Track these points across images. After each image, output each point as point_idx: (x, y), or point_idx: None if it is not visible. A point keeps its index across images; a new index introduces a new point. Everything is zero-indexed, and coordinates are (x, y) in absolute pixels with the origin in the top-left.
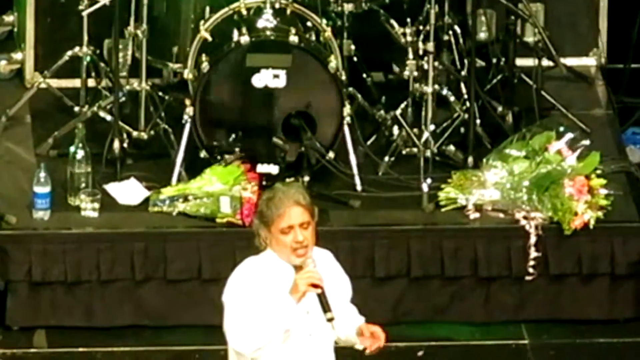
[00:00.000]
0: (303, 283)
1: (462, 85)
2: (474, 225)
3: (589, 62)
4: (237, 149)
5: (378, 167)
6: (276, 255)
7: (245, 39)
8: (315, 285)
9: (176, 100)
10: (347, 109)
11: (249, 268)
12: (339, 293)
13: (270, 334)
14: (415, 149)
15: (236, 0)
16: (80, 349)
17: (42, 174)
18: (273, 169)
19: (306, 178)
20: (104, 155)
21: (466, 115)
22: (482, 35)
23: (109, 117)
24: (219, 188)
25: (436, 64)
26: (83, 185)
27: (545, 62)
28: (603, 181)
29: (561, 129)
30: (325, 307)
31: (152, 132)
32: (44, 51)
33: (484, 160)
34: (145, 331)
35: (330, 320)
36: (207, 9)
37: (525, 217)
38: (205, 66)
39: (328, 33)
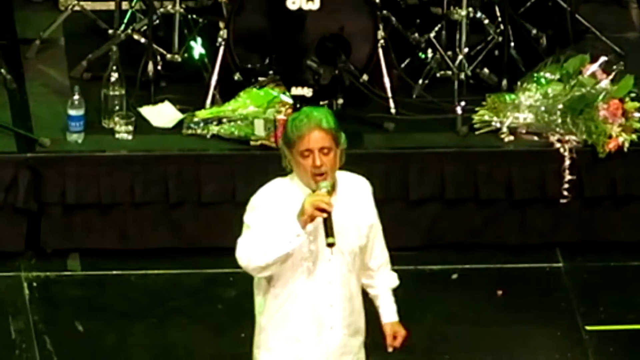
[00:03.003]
0: (309, 206)
1: (496, 8)
2: (508, 148)
3: None
4: (271, 72)
5: (412, 89)
6: (297, 177)
7: None
8: (322, 210)
9: (210, 23)
10: (381, 32)
11: (269, 189)
12: (361, 226)
13: (271, 255)
14: (449, 72)
15: None
16: (114, 272)
17: (76, 97)
18: (307, 92)
19: (340, 101)
20: (138, 78)
21: (500, 38)
22: None
23: (143, 40)
24: (253, 110)
25: None
26: (117, 107)
27: None
28: (637, 104)
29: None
30: (328, 232)
31: (185, 55)
32: None
33: (518, 83)
34: (179, 254)
35: (329, 245)
36: None
37: (559, 140)
38: None
39: None
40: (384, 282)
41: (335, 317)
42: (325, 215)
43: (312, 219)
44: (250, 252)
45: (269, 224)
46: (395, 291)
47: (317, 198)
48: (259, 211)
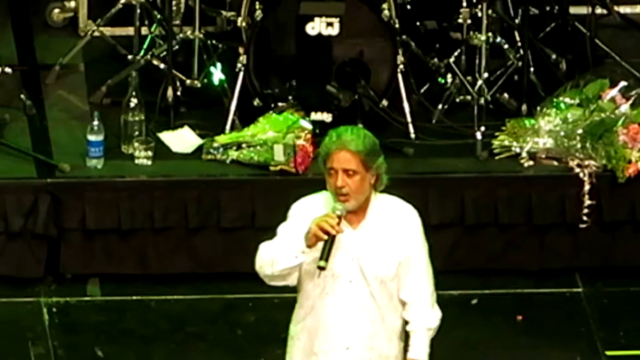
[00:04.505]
0: (314, 225)
1: (516, 33)
2: (528, 173)
3: None
4: (290, 97)
5: (432, 114)
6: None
7: None
8: (325, 231)
9: (229, 48)
10: (400, 57)
11: (307, 201)
12: (391, 255)
13: (277, 266)
14: (469, 97)
15: None
16: (134, 298)
17: (96, 122)
18: (326, 117)
19: (359, 126)
20: (158, 104)
21: (520, 63)
22: None
23: (162, 65)
24: (273, 136)
25: (490, 11)
26: (136, 133)
27: (599, 10)
28: None
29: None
30: (323, 254)
31: (205, 80)
32: None
33: (538, 108)
34: (198, 279)
35: (319, 267)
36: None
37: (579, 165)
38: (258, 14)
39: None
40: (419, 319)
41: (352, 338)
42: (325, 237)
43: (316, 238)
44: (262, 259)
45: (283, 236)
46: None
47: (324, 219)
48: (290, 221)
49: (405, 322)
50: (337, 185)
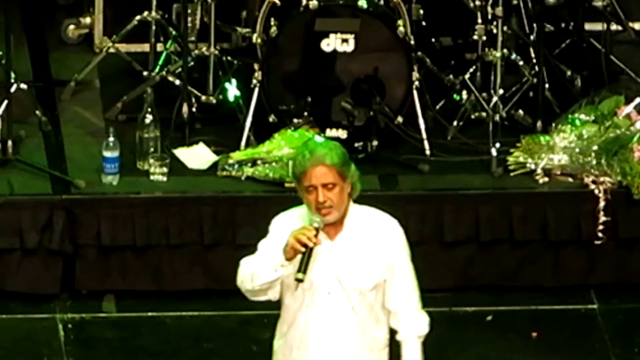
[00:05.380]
0: (292, 238)
1: (531, 49)
2: (543, 190)
3: None
4: (305, 114)
5: (447, 131)
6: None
7: (314, 3)
8: (303, 244)
9: (245, 65)
10: (415, 74)
11: (285, 216)
12: (372, 266)
13: (256, 281)
14: (484, 114)
15: None
16: (149, 314)
17: (111, 139)
18: (341, 134)
19: (375, 143)
20: (173, 120)
21: (535, 80)
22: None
23: (177, 82)
24: (288, 152)
25: (505, 28)
26: (152, 149)
27: (614, 27)
28: None
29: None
30: (301, 266)
31: (220, 97)
32: (112, 15)
33: (553, 124)
34: (214, 296)
35: (296, 279)
36: None
37: (594, 182)
38: (273, 30)
39: None
40: (409, 327)
41: (332, 351)
42: (303, 249)
43: (294, 251)
44: (243, 274)
45: (262, 251)
46: (430, 334)
47: (301, 232)
48: (270, 236)
49: (393, 332)
50: (319, 200)
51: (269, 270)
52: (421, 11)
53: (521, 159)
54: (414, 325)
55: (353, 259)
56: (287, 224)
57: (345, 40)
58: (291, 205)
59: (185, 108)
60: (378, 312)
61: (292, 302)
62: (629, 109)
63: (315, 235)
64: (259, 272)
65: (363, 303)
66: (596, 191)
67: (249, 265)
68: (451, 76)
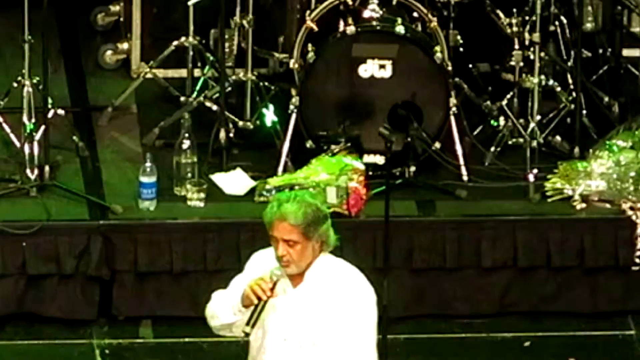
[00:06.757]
0: (248, 288)
1: (568, 75)
2: (581, 216)
3: None
4: (343, 139)
5: (484, 157)
6: None
7: (351, 29)
8: (257, 296)
9: (282, 90)
10: (453, 100)
11: (261, 255)
12: (321, 323)
13: (217, 320)
14: (521, 140)
15: None
16: (186, 340)
17: (148, 164)
18: (379, 159)
19: (412, 168)
20: (210, 145)
21: (572, 106)
22: (589, 26)
23: (215, 107)
24: (325, 178)
25: (542, 54)
26: (189, 175)
27: None
28: None
29: None
30: (250, 319)
31: (257, 122)
32: (150, 41)
33: (590, 150)
34: None
35: (243, 332)
36: None
37: (631, 208)
38: (311, 56)
39: (434, 23)
40: None
41: None
42: (256, 301)
43: (250, 301)
44: (209, 309)
45: (229, 290)
46: None
47: (257, 283)
48: (244, 274)
49: None
50: (278, 254)
51: (229, 313)
52: (458, 37)
53: (559, 185)
54: None
55: (308, 311)
56: (263, 262)
57: (382, 66)
58: None
59: (222, 133)
60: None
61: (254, 342)
62: None
63: (272, 288)
64: (219, 312)
65: (317, 354)
66: (634, 217)
67: (215, 302)
68: (488, 102)
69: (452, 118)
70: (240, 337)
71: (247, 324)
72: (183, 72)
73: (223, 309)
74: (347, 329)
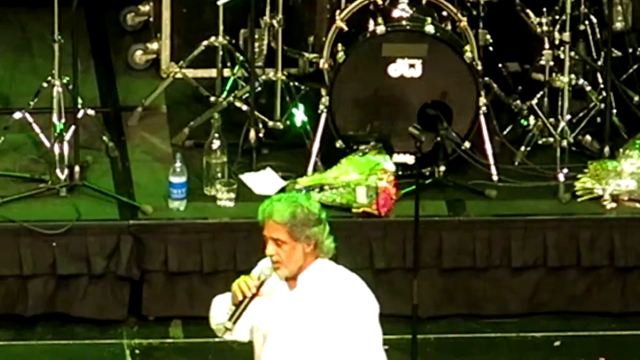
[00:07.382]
0: (234, 285)
1: (599, 75)
2: (611, 215)
3: None
4: (372, 139)
5: (514, 157)
6: None
7: (381, 29)
8: (242, 292)
9: (312, 90)
10: (483, 99)
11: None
12: (315, 327)
13: (213, 320)
14: (551, 139)
15: None
16: (216, 340)
17: (178, 164)
18: (409, 159)
19: (442, 168)
20: (240, 145)
21: (602, 105)
22: (619, 25)
23: (244, 107)
24: (355, 178)
25: (572, 53)
26: (219, 175)
27: None
28: None
29: None
30: (232, 315)
31: (287, 122)
32: (179, 41)
33: (621, 150)
34: None
35: (225, 328)
36: None
37: None
38: (341, 56)
39: (464, 23)
40: None
41: None
42: (240, 298)
43: (236, 298)
44: (211, 311)
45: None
46: (498, 359)
47: (244, 280)
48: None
49: None
50: (266, 253)
51: (222, 313)
52: (488, 36)
53: (589, 185)
54: None
55: (299, 315)
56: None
57: (412, 66)
58: (358, 231)
59: (252, 133)
60: None
61: (256, 343)
62: None
63: (258, 287)
64: (215, 312)
65: (312, 357)
66: None
67: (214, 304)
68: (518, 101)
69: (482, 118)
70: (241, 340)
71: (230, 319)
72: (213, 72)
73: (218, 310)
74: (340, 336)
